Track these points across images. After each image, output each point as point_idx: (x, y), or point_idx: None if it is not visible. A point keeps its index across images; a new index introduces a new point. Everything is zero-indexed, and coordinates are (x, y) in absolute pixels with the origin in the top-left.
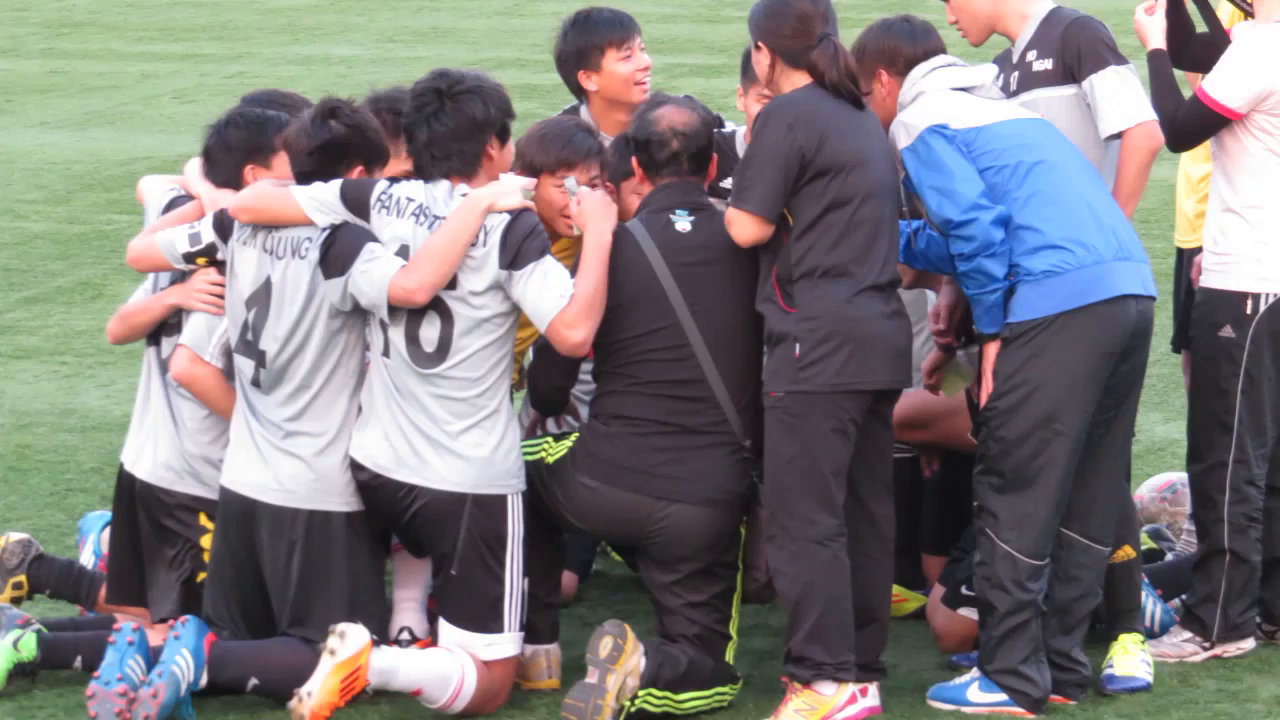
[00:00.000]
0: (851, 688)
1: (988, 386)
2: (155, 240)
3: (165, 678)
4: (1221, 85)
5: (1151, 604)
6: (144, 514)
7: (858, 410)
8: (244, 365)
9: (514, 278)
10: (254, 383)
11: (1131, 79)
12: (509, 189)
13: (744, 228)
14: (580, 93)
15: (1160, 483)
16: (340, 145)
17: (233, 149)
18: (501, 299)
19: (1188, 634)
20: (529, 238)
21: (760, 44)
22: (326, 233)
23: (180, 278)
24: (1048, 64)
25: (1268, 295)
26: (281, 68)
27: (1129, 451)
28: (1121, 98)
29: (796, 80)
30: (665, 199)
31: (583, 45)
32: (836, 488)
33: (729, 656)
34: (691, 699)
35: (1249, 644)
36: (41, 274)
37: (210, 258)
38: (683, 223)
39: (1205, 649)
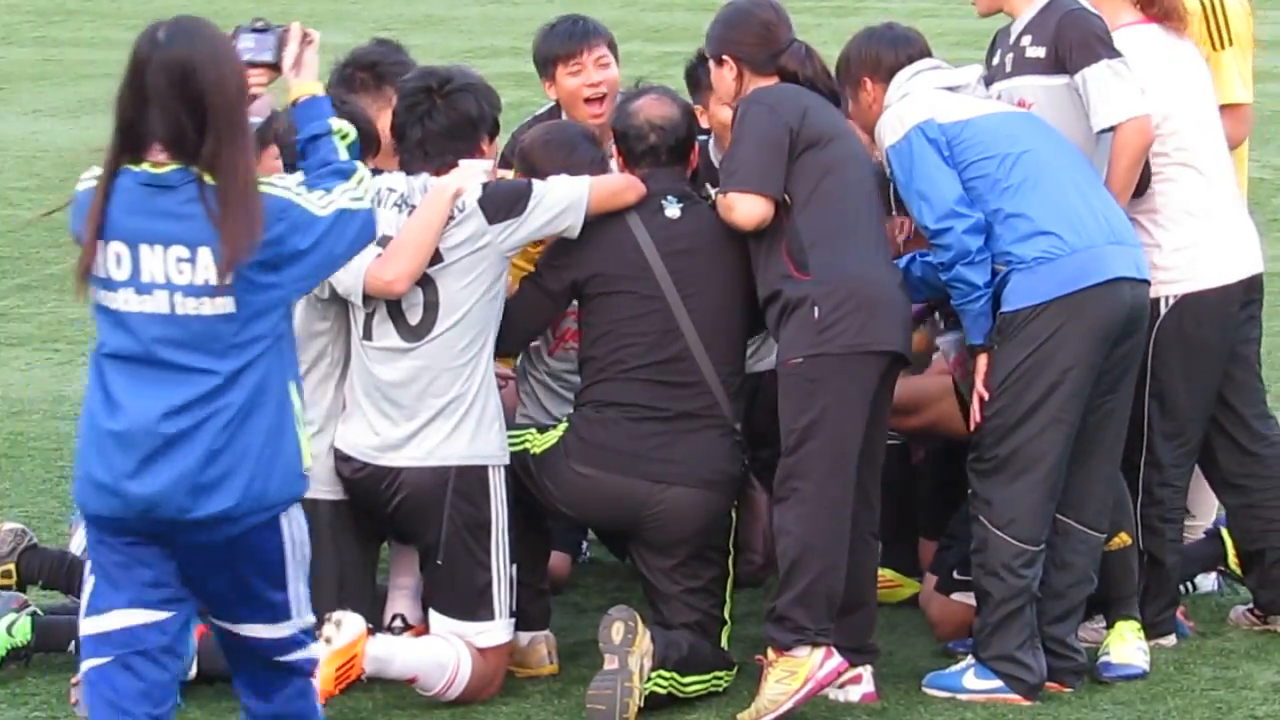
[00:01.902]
0: (823, 650)
1: (981, 398)
2: None
3: None
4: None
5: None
6: None
7: (875, 373)
8: None
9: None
10: None
11: (1125, 72)
12: (473, 173)
13: (747, 207)
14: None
15: None
16: None
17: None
18: (479, 258)
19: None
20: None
21: (725, 56)
22: None
23: None
24: (1040, 52)
25: (1168, 299)
26: None
27: (1124, 438)
28: (1114, 92)
29: (765, 85)
30: (654, 185)
31: (539, 58)
32: (852, 455)
33: (724, 641)
34: (694, 682)
35: (1169, 641)
36: (34, 261)
37: None
38: (673, 209)
39: None
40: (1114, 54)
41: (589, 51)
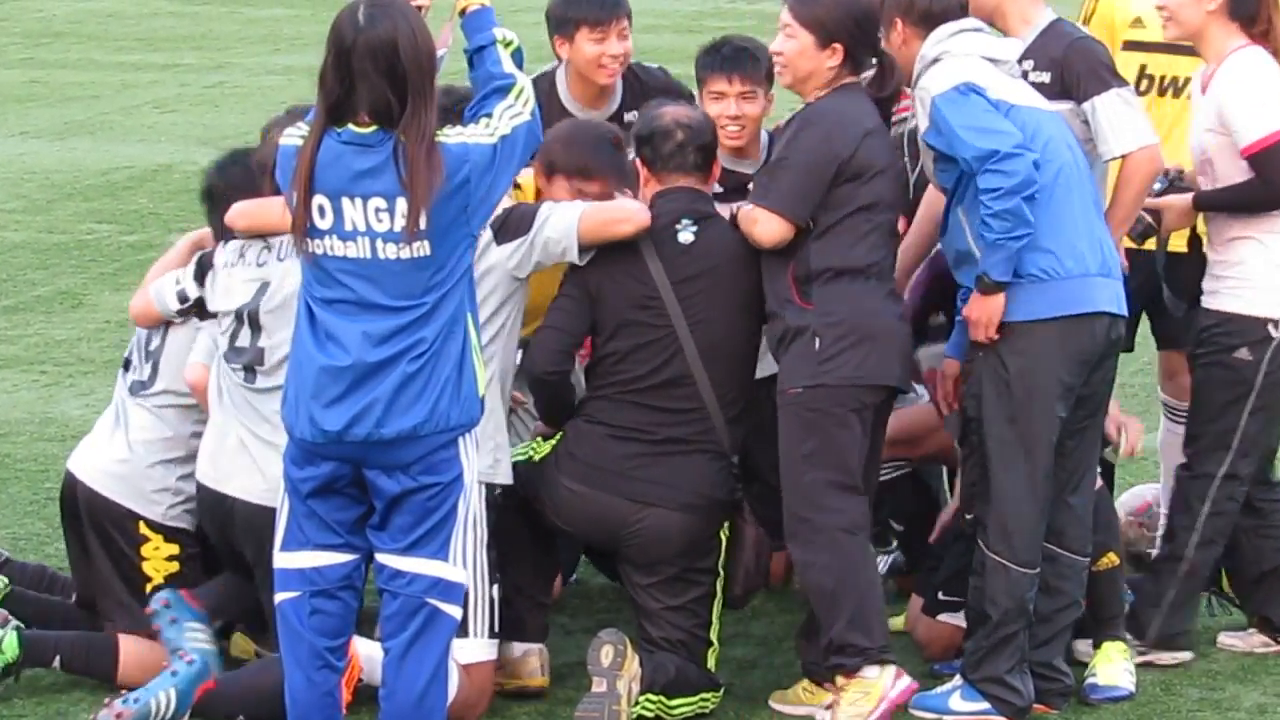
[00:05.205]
0: (893, 669)
1: (946, 394)
2: (149, 294)
3: (139, 705)
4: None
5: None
6: (88, 521)
7: (873, 406)
8: (234, 372)
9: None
10: (247, 384)
11: (1134, 100)
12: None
13: (770, 227)
14: (558, 56)
15: (1137, 504)
16: None
17: (238, 187)
18: (488, 280)
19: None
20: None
21: (836, 45)
22: None
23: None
24: (1044, 77)
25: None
26: (262, 78)
27: (1098, 460)
28: (1125, 121)
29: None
30: (671, 207)
31: (562, 15)
32: (855, 482)
33: (711, 663)
34: (680, 704)
35: (1185, 655)
36: (21, 283)
37: (200, 308)
38: (686, 234)
39: (1140, 654)
40: (1122, 83)
41: (617, 22)
